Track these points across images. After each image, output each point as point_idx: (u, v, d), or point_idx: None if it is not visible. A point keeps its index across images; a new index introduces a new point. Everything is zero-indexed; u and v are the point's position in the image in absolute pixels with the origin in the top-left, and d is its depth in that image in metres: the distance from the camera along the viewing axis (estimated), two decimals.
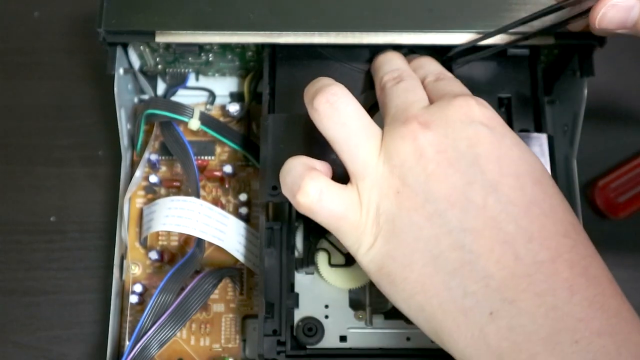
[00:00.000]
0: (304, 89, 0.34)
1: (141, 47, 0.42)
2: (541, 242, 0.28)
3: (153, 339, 0.38)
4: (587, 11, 0.33)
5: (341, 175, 0.32)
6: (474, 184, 0.29)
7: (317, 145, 0.36)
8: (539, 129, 0.39)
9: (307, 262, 0.40)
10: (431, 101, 0.33)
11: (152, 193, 0.44)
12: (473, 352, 0.28)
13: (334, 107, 0.32)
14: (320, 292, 0.40)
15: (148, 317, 0.38)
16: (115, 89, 0.41)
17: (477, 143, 0.30)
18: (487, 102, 0.32)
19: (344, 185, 0.32)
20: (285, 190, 0.32)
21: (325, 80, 0.33)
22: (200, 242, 0.40)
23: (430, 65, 0.37)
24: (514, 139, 0.31)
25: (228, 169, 0.43)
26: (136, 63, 0.43)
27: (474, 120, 0.30)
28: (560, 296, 0.27)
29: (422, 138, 0.30)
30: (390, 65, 0.37)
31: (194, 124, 0.42)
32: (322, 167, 0.33)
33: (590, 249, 0.29)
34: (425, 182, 0.30)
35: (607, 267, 0.29)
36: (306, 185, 0.31)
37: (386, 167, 0.31)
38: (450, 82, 0.35)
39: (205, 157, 0.44)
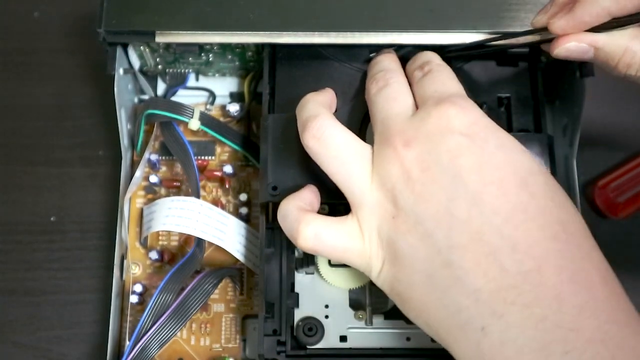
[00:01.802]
0: (304, 90, 0.34)
1: (141, 47, 0.42)
2: (526, 250, 0.28)
3: (153, 339, 0.38)
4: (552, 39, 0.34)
5: None
6: (457, 199, 0.29)
7: None
8: (538, 129, 0.39)
9: (307, 262, 0.40)
10: (417, 103, 0.33)
11: (152, 193, 0.44)
12: None
13: (321, 142, 0.33)
14: (320, 292, 0.40)
15: (148, 317, 0.38)
16: (116, 89, 0.41)
17: (458, 155, 0.30)
18: (469, 103, 0.32)
19: (342, 218, 0.33)
20: (287, 234, 0.34)
21: (310, 108, 0.34)
22: (200, 242, 0.40)
23: (423, 56, 0.36)
24: (498, 141, 0.31)
25: (228, 169, 0.43)
26: (136, 63, 0.43)
27: (454, 130, 0.30)
28: (548, 306, 0.27)
29: (407, 158, 0.31)
30: (378, 68, 0.37)
31: (194, 124, 0.42)
32: (311, 198, 0.34)
33: (584, 247, 0.29)
34: (414, 203, 0.30)
35: (603, 264, 0.29)
36: (302, 231, 0.32)
37: (380, 193, 0.31)
38: (436, 78, 0.34)
39: (205, 157, 0.44)
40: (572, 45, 0.33)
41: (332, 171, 0.33)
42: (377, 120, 0.34)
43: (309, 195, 0.34)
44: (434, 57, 0.36)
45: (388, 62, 0.37)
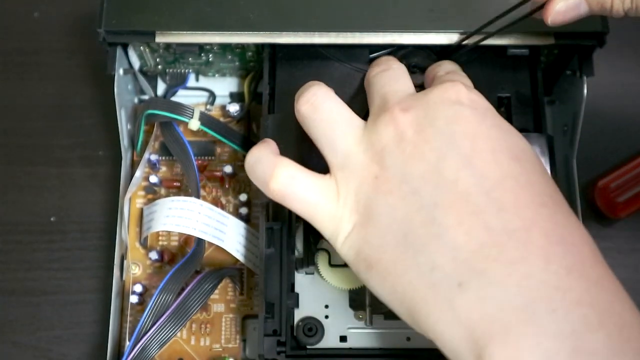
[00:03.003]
0: None
1: (141, 47, 0.42)
2: (514, 211, 0.28)
3: (153, 339, 0.38)
4: (542, 6, 0.33)
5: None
6: (447, 159, 0.29)
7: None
8: (538, 129, 0.39)
9: (307, 262, 0.40)
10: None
11: (152, 193, 0.44)
12: (444, 328, 0.27)
13: (314, 106, 0.33)
14: (320, 292, 0.40)
15: (148, 317, 0.38)
16: (115, 89, 0.41)
17: (455, 121, 0.30)
18: (478, 92, 0.32)
19: (321, 175, 0.32)
20: (256, 180, 0.33)
21: (309, 83, 0.34)
22: (200, 242, 0.40)
23: (448, 65, 0.37)
24: (495, 121, 0.31)
25: (228, 169, 0.43)
26: (136, 63, 0.43)
27: (457, 101, 0.31)
28: (534, 264, 0.26)
29: (403, 121, 0.30)
30: (380, 61, 0.36)
31: (194, 124, 0.42)
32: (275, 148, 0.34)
33: (571, 218, 0.29)
34: (403, 163, 0.30)
35: (591, 238, 0.28)
36: (277, 173, 0.32)
37: (367, 155, 0.31)
38: (455, 73, 0.35)
39: (205, 157, 0.44)
40: (561, 6, 0.32)
41: (318, 134, 0.33)
42: (375, 97, 0.33)
43: (276, 147, 0.35)
44: (455, 68, 0.37)
45: (392, 59, 0.37)
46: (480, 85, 0.39)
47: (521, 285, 0.26)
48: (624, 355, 0.25)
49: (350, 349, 0.39)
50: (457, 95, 0.31)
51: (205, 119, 0.42)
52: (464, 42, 0.38)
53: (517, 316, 0.26)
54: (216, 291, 0.41)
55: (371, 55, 0.39)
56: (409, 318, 0.29)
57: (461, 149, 0.29)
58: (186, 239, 0.43)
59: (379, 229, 0.30)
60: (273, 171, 0.32)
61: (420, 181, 0.29)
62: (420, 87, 0.36)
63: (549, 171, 0.37)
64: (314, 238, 0.40)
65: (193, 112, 0.42)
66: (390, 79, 0.34)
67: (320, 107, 0.33)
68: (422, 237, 0.28)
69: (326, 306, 0.40)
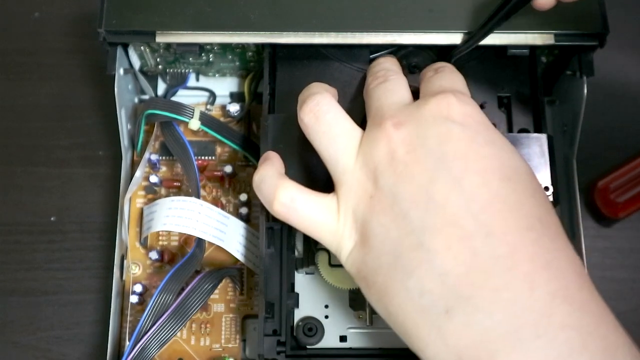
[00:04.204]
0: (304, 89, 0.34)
1: (141, 47, 0.42)
2: (500, 236, 0.28)
3: (153, 339, 0.38)
4: None
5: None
6: (437, 181, 0.29)
7: None
8: (538, 129, 0.39)
9: (307, 262, 0.40)
10: (422, 93, 0.33)
11: (152, 193, 0.44)
12: (433, 352, 0.28)
13: (316, 117, 0.33)
14: (320, 292, 0.40)
15: (148, 317, 0.38)
16: (116, 89, 0.41)
17: (446, 140, 0.30)
18: (471, 101, 0.31)
19: (322, 194, 0.33)
20: (262, 200, 0.34)
21: (313, 89, 0.34)
22: (200, 242, 0.40)
23: (439, 63, 0.36)
24: (488, 137, 0.30)
25: (228, 169, 0.43)
26: (136, 63, 0.43)
27: (449, 117, 0.30)
28: (519, 291, 0.27)
29: (395, 138, 0.31)
30: (379, 67, 0.36)
31: (194, 124, 0.42)
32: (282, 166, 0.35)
33: (559, 241, 0.29)
34: (394, 184, 0.30)
35: (576, 259, 0.29)
36: (279, 194, 0.32)
37: (363, 172, 0.31)
38: (445, 76, 0.34)
39: (206, 157, 0.44)
40: None
41: (321, 147, 0.33)
42: (371, 109, 0.34)
43: (280, 164, 0.35)
44: (449, 65, 0.36)
45: (389, 64, 0.37)
46: (480, 85, 0.39)
47: (506, 312, 0.26)
48: None
49: (350, 348, 0.39)
50: (448, 111, 0.31)
51: (205, 118, 0.42)
52: (464, 43, 0.38)
53: (503, 342, 0.26)
54: (216, 291, 0.41)
55: (371, 56, 0.39)
56: (404, 338, 0.30)
57: (451, 171, 0.29)
58: (186, 239, 0.43)
59: (374, 250, 0.30)
60: (275, 193, 0.32)
61: (409, 203, 0.29)
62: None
63: (548, 174, 0.37)
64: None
65: (193, 112, 0.42)
66: (386, 91, 0.34)
67: (322, 118, 0.33)
68: (412, 260, 0.29)
69: (326, 306, 0.40)
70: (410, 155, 0.30)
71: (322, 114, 0.33)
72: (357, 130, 0.33)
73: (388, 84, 0.34)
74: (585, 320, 0.26)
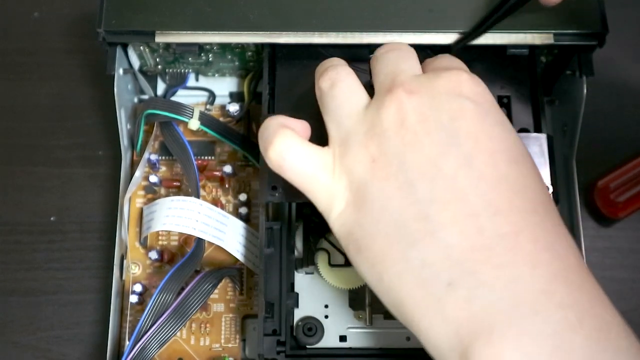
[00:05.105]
0: (304, 90, 0.34)
1: (141, 47, 0.42)
2: (506, 216, 0.28)
3: (153, 338, 0.38)
4: None
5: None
6: (447, 156, 0.29)
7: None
8: (538, 129, 0.39)
9: (307, 262, 0.40)
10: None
11: (152, 193, 0.44)
12: (430, 324, 0.27)
13: (333, 83, 0.33)
14: (320, 292, 0.40)
15: (148, 317, 0.38)
16: (115, 89, 0.41)
17: (459, 116, 0.30)
18: (480, 81, 0.32)
19: (319, 147, 0.32)
20: (260, 147, 0.33)
21: (335, 61, 0.34)
22: (200, 242, 0.40)
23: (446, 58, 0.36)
24: (498, 118, 0.31)
25: (228, 169, 0.43)
26: (136, 63, 0.43)
27: (462, 94, 0.30)
28: (521, 269, 0.27)
29: (407, 105, 0.30)
30: (390, 44, 0.36)
31: (194, 124, 0.42)
32: (298, 126, 0.34)
33: (560, 227, 0.29)
34: (402, 151, 0.30)
35: (576, 247, 0.29)
36: (276, 141, 0.32)
37: (367, 136, 0.31)
38: (451, 58, 0.34)
39: (205, 157, 0.44)
40: None
41: (329, 108, 0.33)
42: (380, 74, 0.33)
43: (300, 124, 0.34)
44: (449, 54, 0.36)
45: (403, 44, 0.36)
46: None
47: (508, 288, 0.27)
48: (603, 352, 0.26)
49: (349, 348, 0.39)
50: (461, 87, 0.31)
51: (205, 118, 0.42)
52: (464, 41, 0.38)
53: (502, 317, 0.26)
54: (216, 291, 0.41)
55: (371, 55, 0.39)
56: (394, 309, 0.29)
57: (462, 147, 0.29)
58: (186, 239, 0.43)
59: (371, 215, 0.30)
60: (273, 139, 0.32)
61: (417, 173, 0.29)
62: None
63: (548, 174, 0.37)
64: (313, 238, 0.40)
65: (193, 112, 0.42)
66: (398, 58, 0.33)
67: (338, 84, 0.33)
68: (415, 231, 0.28)
69: (326, 306, 0.40)
70: (421, 125, 0.30)
71: (339, 81, 0.33)
72: (367, 97, 0.33)
73: (399, 51, 0.34)
74: (582, 300, 0.27)
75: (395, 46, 0.34)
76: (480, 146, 0.29)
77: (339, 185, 0.31)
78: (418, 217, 0.28)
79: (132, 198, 0.43)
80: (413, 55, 0.34)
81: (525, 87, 0.40)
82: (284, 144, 0.32)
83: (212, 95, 0.46)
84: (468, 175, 0.29)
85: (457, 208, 0.28)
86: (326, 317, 0.39)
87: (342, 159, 0.31)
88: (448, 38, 0.38)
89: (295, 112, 0.35)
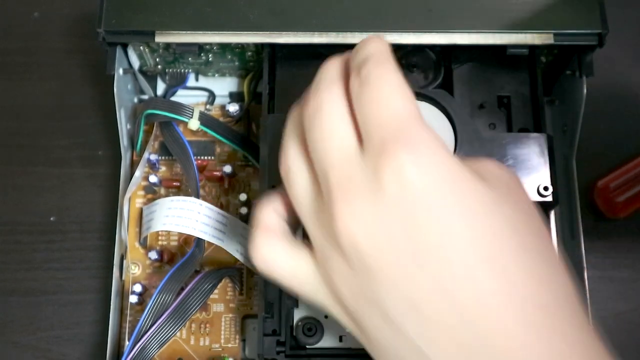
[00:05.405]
0: (304, 90, 0.34)
1: (141, 47, 0.42)
2: (500, 344, 0.24)
3: (153, 338, 0.38)
4: None
5: None
6: (420, 288, 0.25)
7: None
8: (538, 129, 0.39)
9: None
10: (359, 131, 0.27)
11: (152, 193, 0.44)
12: None
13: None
14: None
15: (148, 317, 0.38)
16: (115, 89, 0.41)
17: (413, 226, 0.25)
18: (421, 135, 0.25)
19: (303, 250, 0.29)
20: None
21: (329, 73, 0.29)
22: (200, 242, 0.40)
23: (363, 50, 0.28)
24: (463, 200, 0.25)
25: (228, 169, 0.43)
26: (136, 63, 0.43)
27: (405, 188, 0.25)
28: None
29: (350, 227, 0.25)
30: (317, 85, 0.29)
31: (194, 124, 0.42)
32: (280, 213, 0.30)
33: (569, 336, 0.25)
34: (375, 290, 0.26)
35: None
36: (253, 254, 0.29)
37: (337, 252, 0.27)
38: (375, 93, 0.26)
39: (205, 157, 0.44)
40: None
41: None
42: (315, 159, 0.28)
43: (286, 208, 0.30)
44: (374, 51, 0.28)
45: (331, 72, 0.29)
46: (480, 85, 0.39)
47: None
48: None
49: (349, 348, 0.39)
50: (402, 181, 0.25)
51: (204, 118, 0.42)
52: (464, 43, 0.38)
53: None
54: (216, 291, 0.41)
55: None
56: None
57: (431, 269, 0.25)
58: (186, 239, 0.43)
59: (372, 343, 0.27)
60: (251, 252, 0.29)
61: (399, 315, 0.26)
62: (419, 87, 0.36)
63: (548, 174, 0.36)
64: None
65: (193, 112, 0.42)
66: (321, 133, 0.27)
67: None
68: None
69: None
70: (376, 252, 0.25)
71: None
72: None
73: (319, 119, 0.27)
74: None
75: (314, 103, 0.28)
76: (451, 257, 0.25)
77: (336, 310, 0.28)
78: (412, 351, 0.26)
79: (132, 198, 0.43)
80: (341, 116, 0.27)
81: (525, 87, 0.39)
82: (261, 258, 0.29)
83: (212, 95, 0.46)
84: (450, 309, 0.25)
85: (446, 343, 0.25)
86: (326, 317, 0.39)
87: (324, 268, 0.28)
88: (448, 38, 0.38)
89: None
